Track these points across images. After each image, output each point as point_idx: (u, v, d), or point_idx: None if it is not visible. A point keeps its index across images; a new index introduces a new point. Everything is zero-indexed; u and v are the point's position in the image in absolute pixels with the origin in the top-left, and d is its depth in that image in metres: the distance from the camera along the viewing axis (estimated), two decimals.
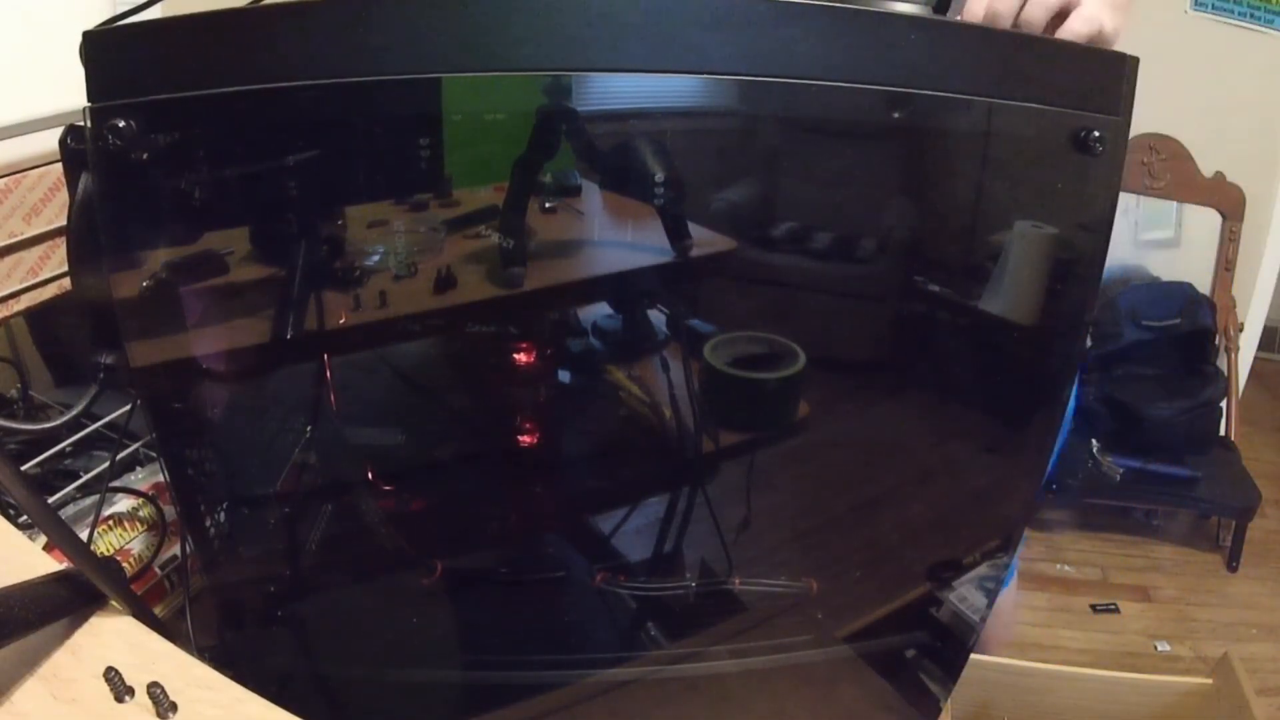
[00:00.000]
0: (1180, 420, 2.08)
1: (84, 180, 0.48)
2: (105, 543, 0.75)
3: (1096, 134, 0.56)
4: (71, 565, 0.47)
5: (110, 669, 0.43)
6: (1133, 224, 2.29)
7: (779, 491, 0.71)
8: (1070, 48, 0.56)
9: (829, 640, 0.76)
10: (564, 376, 0.63)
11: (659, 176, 0.53)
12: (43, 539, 0.61)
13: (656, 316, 0.61)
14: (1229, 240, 2.23)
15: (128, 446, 0.83)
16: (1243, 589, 1.99)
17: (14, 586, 0.43)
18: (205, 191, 0.48)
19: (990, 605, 0.76)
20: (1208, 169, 2.21)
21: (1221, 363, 2.22)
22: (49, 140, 0.62)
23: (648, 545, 0.71)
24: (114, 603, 0.48)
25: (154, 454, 0.83)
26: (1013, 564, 0.80)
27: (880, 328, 0.67)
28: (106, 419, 0.81)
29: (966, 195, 0.63)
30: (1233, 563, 2.05)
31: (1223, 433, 2.18)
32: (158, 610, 0.73)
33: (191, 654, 0.46)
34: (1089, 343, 0.67)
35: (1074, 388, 0.78)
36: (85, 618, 0.47)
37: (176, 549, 0.77)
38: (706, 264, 0.58)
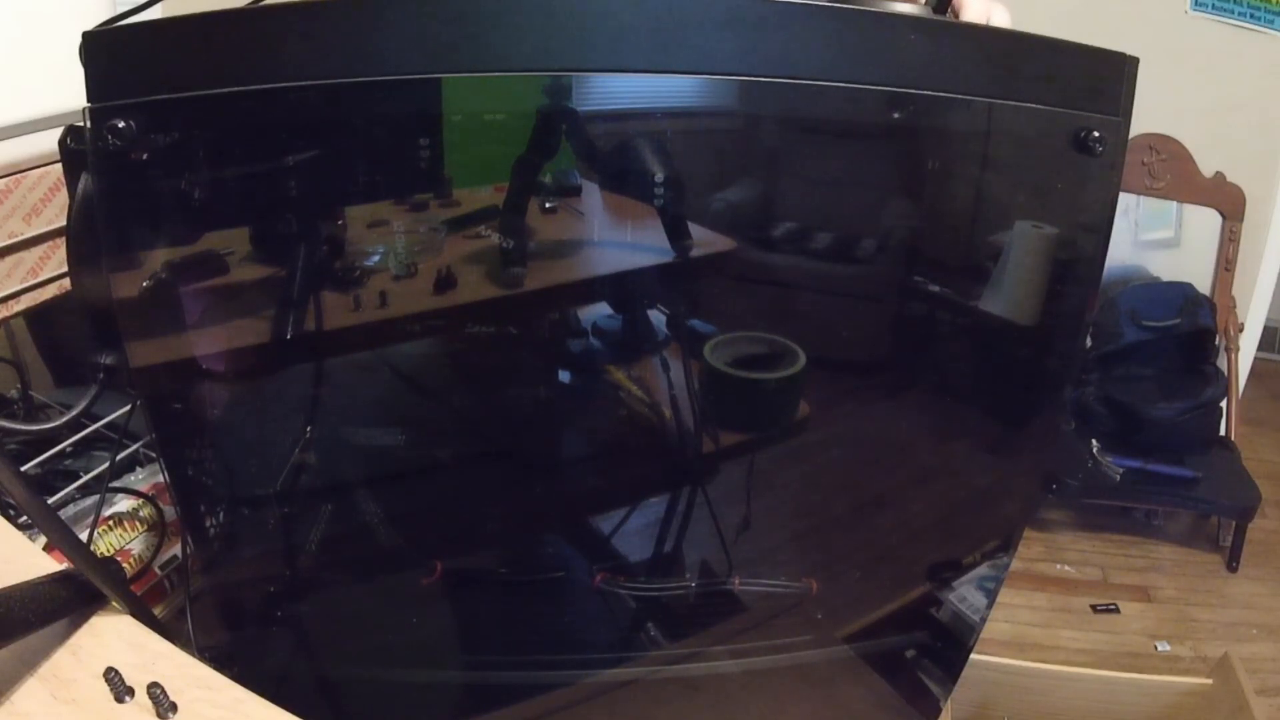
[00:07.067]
0: (1180, 420, 2.08)
1: (84, 180, 0.48)
2: (105, 543, 0.75)
3: (1096, 134, 0.56)
4: (71, 565, 0.47)
5: (110, 669, 0.43)
6: (1133, 224, 2.29)
7: (779, 492, 0.71)
8: (1071, 48, 0.56)
9: (829, 640, 0.76)
10: (564, 377, 0.63)
11: (659, 176, 0.53)
12: (43, 539, 0.61)
13: (656, 317, 0.61)
14: (1229, 240, 2.23)
15: (128, 446, 0.83)
16: (1243, 589, 1.99)
17: (14, 586, 0.43)
18: (205, 192, 0.48)
19: (990, 605, 0.76)
20: (1208, 169, 2.21)
21: (1221, 363, 2.22)
22: (49, 140, 0.62)
23: (648, 545, 0.71)
24: (114, 603, 0.48)
25: (154, 454, 0.83)
26: None
27: (880, 328, 0.67)
28: (106, 419, 0.81)
29: (966, 195, 0.63)
30: (1233, 563, 2.05)
31: (1223, 433, 2.18)
32: (158, 610, 0.73)
33: (191, 654, 0.46)
34: (1089, 343, 0.67)
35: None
36: (85, 618, 0.47)
37: (176, 549, 0.77)
38: (706, 264, 0.58)
